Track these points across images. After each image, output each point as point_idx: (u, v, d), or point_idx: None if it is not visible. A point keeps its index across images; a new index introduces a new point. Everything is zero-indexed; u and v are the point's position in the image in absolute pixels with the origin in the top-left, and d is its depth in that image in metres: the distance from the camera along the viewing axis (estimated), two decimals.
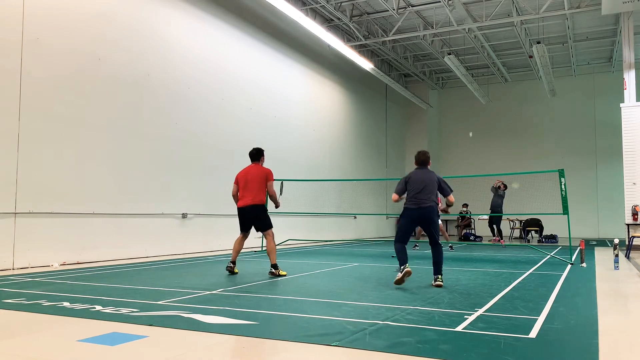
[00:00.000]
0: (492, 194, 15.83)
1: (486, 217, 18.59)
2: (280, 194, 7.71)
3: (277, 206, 7.73)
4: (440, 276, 6.39)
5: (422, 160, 6.78)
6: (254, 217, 7.32)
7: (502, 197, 15.59)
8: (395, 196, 6.74)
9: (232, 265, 7.31)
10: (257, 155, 7.57)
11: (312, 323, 4.12)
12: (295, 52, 15.83)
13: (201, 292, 5.62)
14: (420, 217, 6.44)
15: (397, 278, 6.19)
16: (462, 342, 3.51)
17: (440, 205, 7.45)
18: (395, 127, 23.84)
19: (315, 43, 16.71)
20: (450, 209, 7.25)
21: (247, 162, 11.09)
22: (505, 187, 15.91)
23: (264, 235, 7.43)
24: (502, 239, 15.60)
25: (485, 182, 19.81)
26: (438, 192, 6.60)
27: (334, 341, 3.51)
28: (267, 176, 7.38)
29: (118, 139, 9.84)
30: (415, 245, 13.77)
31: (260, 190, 7.31)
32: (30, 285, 6.12)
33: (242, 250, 12.29)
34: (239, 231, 7.51)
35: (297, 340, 3.57)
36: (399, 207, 21.80)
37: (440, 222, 12.22)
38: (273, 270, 7.21)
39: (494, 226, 15.94)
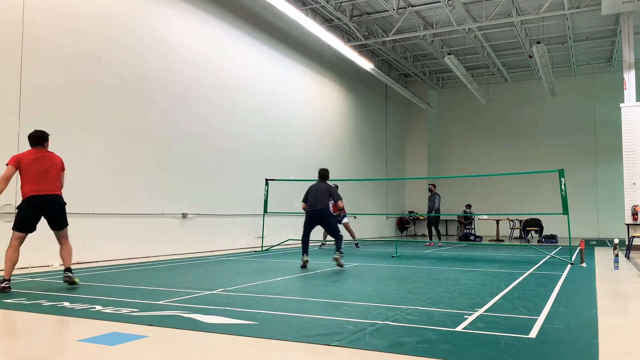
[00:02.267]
0: (430, 198, 15.68)
1: (486, 217, 18.63)
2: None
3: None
4: (339, 252, 8.29)
5: (322, 175, 8.90)
6: (57, 209, 6.07)
7: (434, 199, 15.46)
8: (303, 205, 8.75)
9: (8, 283, 5.65)
10: (41, 139, 6.16)
11: (312, 323, 4.11)
12: (295, 52, 15.83)
13: (201, 292, 5.62)
14: (315, 217, 8.54)
15: (301, 265, 8.44)
16: (462, 342, 3.51)
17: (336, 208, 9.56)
18: (395, 127, 23.84)
19: (315, 43, 16.71)
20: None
21: (248, 160, 11.03)
22: (434, 187, 15.88)
23: (62, 237, 6.20)
24: (439, 241, 15.58)
25: (486, 182, 19.85)
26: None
27: (334, 341, 3.51)
28: (62, 164, 6.27)
29: (118, 138, 9.84)
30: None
31: (58, 180, 6.17)
32: (30, 285, 6.12)
33: (242, 250, 12.34)
34: (19, 231, 5.91)
35: (297, 340, 3.57)
36: (400, 208, 21.89)
37: (347, 220, 13.53)
38: (70, 274, 6.02)
39: (432, 228, 15.85)
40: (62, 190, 6.25)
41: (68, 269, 6.06)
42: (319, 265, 8.87)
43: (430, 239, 15.72)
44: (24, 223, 5.90)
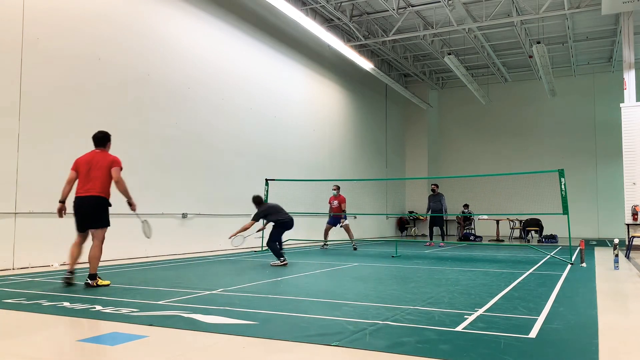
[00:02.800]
0: (434, 197, 15.39)
1: (486, 217, 18.63)
2: (148, 236, 6.77)
3: (132, 206, 6.58)
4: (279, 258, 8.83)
5: (258, 201, 9.37)
6: (87, 208, 6.18)
7: (441, 199, 15.21)
8: (252, 222, 9.03)
9: (70, 275, 6.10)
10: (102, 140, 6.52)
11: (312, 323, 4.12)
12: (295, 52, 15.83)
13: (201, 292, 5.62)
14: (291, 225, 9.22)
15: (280, 264, 8.79)
16: (462, 342, 3.51)
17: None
18: (395, 127, 23.84)
19: (315, 43, 16.71)
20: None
21: (248, 160, 11.01)
22: (436, 187, 15.60)
23: (93, 237, 6.29)
24: (442, 241, 15.45)
25: (486, 182, 19.85)
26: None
27: (334, 341, 3.51)
28: (112, 163, 6.31)
29: (118, 138, 9.80)
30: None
31: (100, 180, 6.22)
32: (30, 285, 6.12)
33: (242, 250, 12.33)
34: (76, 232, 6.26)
35: (297, 340, 3.57)
36: (400, 207, 21.82)
37: (347, 221, 13.68)
38: (90, 281, 6.04)
39: (434, 228, 15.78)
40: (124, 190, 6.39)
41: (89, 276, 6.08)
42: (319, 266, 8.88)
43: (431, 238, 15.70)
44: (75, 223, 6.23)
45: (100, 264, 8.72)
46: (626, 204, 13.88)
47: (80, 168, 6.24)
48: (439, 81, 24.56)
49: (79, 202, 6.17)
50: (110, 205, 6.35)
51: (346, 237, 14.27)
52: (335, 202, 13.76)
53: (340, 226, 13.80)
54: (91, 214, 6.19)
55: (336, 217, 13.68)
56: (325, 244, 14.05)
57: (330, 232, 14.10)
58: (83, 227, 6.21)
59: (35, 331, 3.87)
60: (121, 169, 6.36)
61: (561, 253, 11.75)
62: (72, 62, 8.99)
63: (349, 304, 4.99)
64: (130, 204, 6.50)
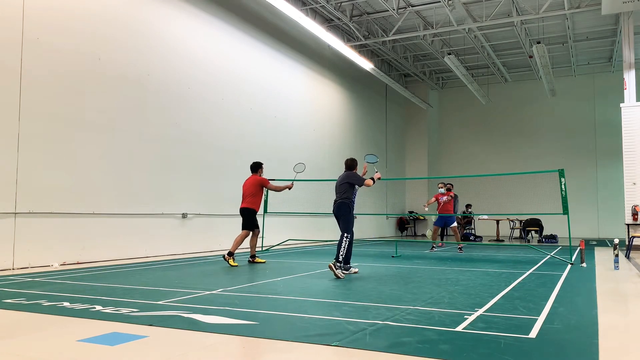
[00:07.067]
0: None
1: (486, 217, 18.62)
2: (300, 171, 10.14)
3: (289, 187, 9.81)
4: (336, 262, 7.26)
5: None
6: (243, 217, 9.27)
7: (456, 201, 14.80)
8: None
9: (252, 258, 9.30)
10: (253, 168, 9.50)
11: (312, 323, 4.11)
12: (295, 52, 15.83)
13: (201, 292, 5.62)
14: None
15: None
16: (462, 342, 3.51)
17: None
18: (395, 128, 23.83)
19: (315, 43, 16.71)
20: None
21: (248, 160, 11.13)
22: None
23: (252, 233, 9.27)
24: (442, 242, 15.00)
25: (486, 182, 19.85)
26: None
27: (334, 341, 3.51)
28: (262, 182, 9.32)
29: (118, 138, 9.83)
30: (433, 247, 13.58)
31: (249, 196, 9.22)
32: (30, 285, 6.12)
33: (242, 250, 12.35)
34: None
35: (297, 340, 3.57)
36: (400, 208, 21.84)
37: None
38: (250, 259, 9.35)
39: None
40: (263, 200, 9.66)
41: (252, 256, 9.28)
42: (318, 266, 8.88)
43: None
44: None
45: (100, 264, 8.76)
46: (626, 204, 13.88)
47: (243, 189, 9.33)
48: (439, 81, 24.56)
49: (240, 211, 9.28)
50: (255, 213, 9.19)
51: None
52: (445, 198, 13.03)
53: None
54: (244, 221, 9.18)
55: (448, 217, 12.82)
56: (434, 246, 13.56)
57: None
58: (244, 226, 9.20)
59: (35, 331, 3.87)
60: (268, 181, 9.44)
61: (561, 253, 11.75)
62: (72, 61, 8.99)
63: (349, 304, 4.99)
64: (289, 188, 9.80)
